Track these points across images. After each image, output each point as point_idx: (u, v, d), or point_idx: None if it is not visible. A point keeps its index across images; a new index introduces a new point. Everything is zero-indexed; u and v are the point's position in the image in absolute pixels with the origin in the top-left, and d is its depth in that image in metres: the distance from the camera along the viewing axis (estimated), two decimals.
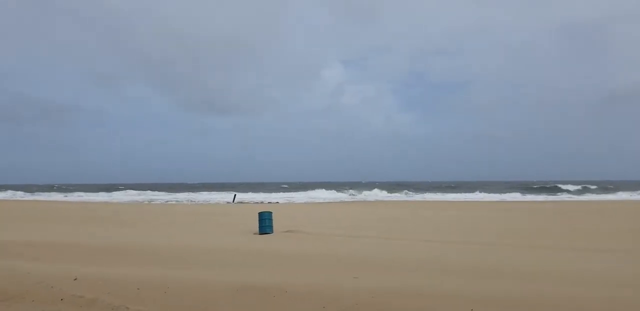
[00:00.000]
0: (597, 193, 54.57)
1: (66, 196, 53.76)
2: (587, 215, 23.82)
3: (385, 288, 5.81)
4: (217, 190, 62.24)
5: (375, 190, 60.27)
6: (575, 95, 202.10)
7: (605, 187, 64.86)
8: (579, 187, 62.30)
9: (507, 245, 12.22)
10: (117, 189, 65.57)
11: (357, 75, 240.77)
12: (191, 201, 45.15)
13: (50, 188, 79.49)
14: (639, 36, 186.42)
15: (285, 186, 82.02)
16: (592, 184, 68.93)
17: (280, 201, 43.65)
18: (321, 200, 45.33)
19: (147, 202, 43.04)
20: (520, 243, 12.74)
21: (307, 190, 64.64)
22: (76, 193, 57.55)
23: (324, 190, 63.69)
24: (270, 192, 59.07)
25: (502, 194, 52.11)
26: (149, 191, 60.28)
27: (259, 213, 15.50)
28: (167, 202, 44.42)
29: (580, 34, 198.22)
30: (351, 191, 60.18)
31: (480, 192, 56.13)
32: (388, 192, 57.28)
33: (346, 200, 46.39)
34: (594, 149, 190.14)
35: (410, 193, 57.46)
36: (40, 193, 58.82)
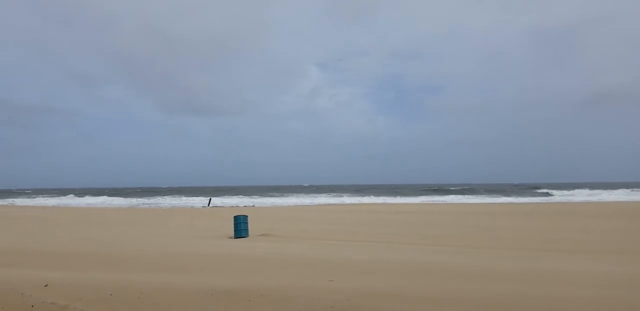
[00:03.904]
0: (567, 195, 56.07)
1: (49, 199, 52.47)
2: (552, 216, 24.51)
3: (361, 290, 5.89)
4: (192, 194, 61.39)
5: (352, 194, 60.60)
6: (552, 98, 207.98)
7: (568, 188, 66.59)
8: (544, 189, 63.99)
9: (484, 248, 12.50)
10: (84, 194, 64.00)
11: (337, 78, 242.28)
12: (166, 205, 44.43)
13: (21, 192, 76.96)
14: (612, 39, 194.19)
15: (261, 190, 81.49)
16: (570, 186, 70.79)
17: (257, 205, 43.40)
18: (297, 204, 45.28)
19: (121, 206, 42.13)
20: (494, 244, 13.06)
21: (284, 193, 64.50)
22: (51, 198, 55.90)
23: (300, 193, 63.75)
24: (247, 196, 58.69)
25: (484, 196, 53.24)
26: (113, 197, 58.89)
27: (234, 216, 15.44)
28: (142, 205, 43.60)
29: (554, 37, 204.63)
30: (329, 194, 60.29)
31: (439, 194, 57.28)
32: (364, 196, 57.59)
33: (323, 203, 46.44)
34: (573, 151, 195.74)
35: (386, 197, 57.95)
36: (4, 199, 56.86)
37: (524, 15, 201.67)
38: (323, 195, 60.22)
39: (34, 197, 58.61)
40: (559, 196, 55.30)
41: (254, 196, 58.91)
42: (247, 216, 15.46)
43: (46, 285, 5.62)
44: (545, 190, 64.01)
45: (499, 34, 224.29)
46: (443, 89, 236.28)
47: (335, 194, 61.16)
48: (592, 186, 74.17)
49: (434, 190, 71.03)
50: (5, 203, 48.96)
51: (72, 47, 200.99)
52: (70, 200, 51.73)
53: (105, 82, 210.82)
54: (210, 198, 47.30)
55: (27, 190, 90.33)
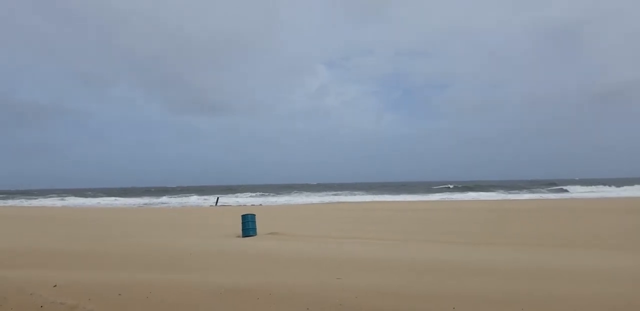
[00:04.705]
0: (582, 192, 55.40)
1: (62, 199, 53.16)
2: (566, 212, 24.27)
3: (369, 288, 5.87)
4: (200, 193, 61.69)
5: (360, 192, 60.55)
6: (557, 95, 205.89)
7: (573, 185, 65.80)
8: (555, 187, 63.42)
9: (490, 244, 12.41)
10: (93, 194, 64.55)
11: (344, 77, 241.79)
12: (174, 204, 44.66)
13: (28, 193, 77.76)
14: (615, 37, 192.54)
15: (269, 188, 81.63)
16: (585, 182, 69.99)
17: (265, 203, 43.48)
18: (305, 202, 45.29)
19: (129, 206, 42.42)
20: (502, 241, 12.96)
21: (292, 192, 64.58)
22: (56, 199, 56.44)
23: (308, 192, 63.82)
24: (255, 195, 58.82)
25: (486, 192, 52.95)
26: (121, 197, 59.25)
27: (242, 215, 15.45)
28: (149, 205, 43.86)
29: (559, 35, 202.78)
30: (337, 192, 60.31)
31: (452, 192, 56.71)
32: (372, 194, 57.48)
33: (331, 201, 46.40)
34: (577, 148, 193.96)
35: (396, 195, 57.71)
36: (13, 200, 57.49)
37: (530, 12, 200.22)
38: (331, 193, 60.27)
39: (40, 197, 59.13)
40: (574, 192, 54.81)
41: (262, 195, 59.00)
42: (254, 215, 15.46)
43: (55, 285, 5.65)
44: (560, 187, 63.28)
45: (505, 32, 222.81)
46: (450, 87, 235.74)
47: (343, 192, 61.16)
48: (607, 182, 73.23)
49: (445, 187, 70.42)
50: (13, 203, 49.49)
51: (80, 46, 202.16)
52: (77, 201, 52.12)
53: (114, 82, 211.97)
54: (217, 197, 47.46)
55: (34, 190, 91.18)
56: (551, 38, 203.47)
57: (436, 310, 4.87)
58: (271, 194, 59.81)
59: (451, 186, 71.77)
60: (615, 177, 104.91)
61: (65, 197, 59.78)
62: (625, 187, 56.74)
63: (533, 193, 53.87)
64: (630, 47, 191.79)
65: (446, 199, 45.20)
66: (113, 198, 54.99)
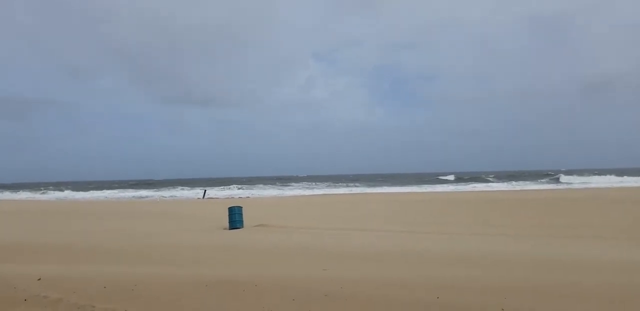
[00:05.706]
0: (549, 183, 56.06)
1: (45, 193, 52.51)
2: (562, 202, 24.61)
3: (354, 278, 5.94)
4: (188, 186, 61.34)
5: (350, 183, 60.77)
6: (548, 86, 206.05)
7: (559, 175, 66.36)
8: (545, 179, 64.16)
9: (474, 234, 12.58)
10: (80, 187, 63.88)
11: (334, 69, 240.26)
12: (161, 197, 44.40)
13: (14, 186, 76.54)
14: (604, 28, 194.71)
15: (257, 181, 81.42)
16: (580, 172, 70.32)
17: (253, 196, 43.43)
18: (293, 195, 45.31)
19: (117, 199, 42.06)
20: (493, 231, 13.13)
21: (280, 184, 64.52)
22: (38, 193, 55.72)
23: (296, 184, 63.90)
24: (243, 187, 58.66)
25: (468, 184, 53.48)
26: (108, 190, 58.73)
27: (229, 208, 15.44)
28: (137, 198, 43.55)
29: (549, 26, 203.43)
30: (325, 184, 60.47)
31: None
32: (362, 185, 57.70)
33: (318, 194, 46.46)
34: (567, 138, 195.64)
35: (383, 187, 57.90)
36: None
37: (520, 3, 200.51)
38: (320, 185, 60.39)
39: (24, 191, 58.18)
40: (566, 183, 55.32)
41: (250, 187, 58.79)
42: (241, 207, 15.47)
43: (39, 279, 5.61)
44: (556, 176, 63.50)
45: (495, 23, 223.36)
46: (441, 79, 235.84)
47: (332, 184, 61.26)
48: (599, 172, 73.74)
49: (438, 178, 70.45)
50: None
51: (65, 37, 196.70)
52: (62, 194, 51.53)
53: (100, 74, 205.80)
54: (205, 190, 47.17)
55: (19, 184, 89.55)
56: (542, 29, 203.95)
57: (421, 299, 4.94)
58: (260, 186, 59.66)
59: (445, 177, 71.73)
60: (604, 168, 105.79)
61: (51, 190, 58.99)
62: (619, 178, 57.06)
63: (529, 183, 54.40)
64: (620, 38, 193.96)
65: (439, 190, 45.47)
66: (99, 191, 54.44)
